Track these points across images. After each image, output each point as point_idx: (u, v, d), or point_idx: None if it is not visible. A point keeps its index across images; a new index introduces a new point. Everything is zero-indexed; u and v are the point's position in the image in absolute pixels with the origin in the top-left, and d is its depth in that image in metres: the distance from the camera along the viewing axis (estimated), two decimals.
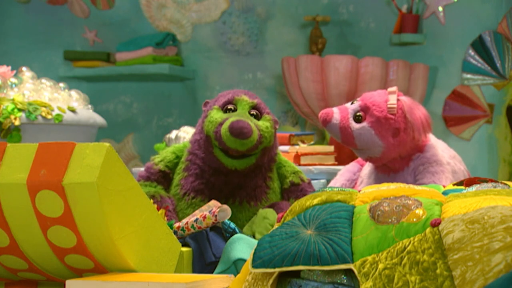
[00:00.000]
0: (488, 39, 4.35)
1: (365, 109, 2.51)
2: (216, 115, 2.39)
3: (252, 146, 2.34)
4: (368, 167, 2.72)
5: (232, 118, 2.34)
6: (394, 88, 2.55)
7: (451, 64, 4.45)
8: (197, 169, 2.45)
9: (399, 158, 2.57)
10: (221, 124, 2.35)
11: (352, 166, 2.85)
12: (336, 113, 2.52)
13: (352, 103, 2.56)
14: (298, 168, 2.55)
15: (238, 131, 2.30)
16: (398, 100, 2.51)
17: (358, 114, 2.51)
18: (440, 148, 2.66)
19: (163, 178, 2.48)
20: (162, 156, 2.52)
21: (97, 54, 4.85)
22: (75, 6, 4.91)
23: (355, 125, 2.51)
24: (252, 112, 2.41)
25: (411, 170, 2.58)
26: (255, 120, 2.40)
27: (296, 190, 2.49)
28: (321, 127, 4.45)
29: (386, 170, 2.62)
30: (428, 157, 2.57)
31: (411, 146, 2.55)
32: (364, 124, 2.50)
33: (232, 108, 2.40)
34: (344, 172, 2.81)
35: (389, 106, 2.49)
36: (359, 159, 2.82)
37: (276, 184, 2.50)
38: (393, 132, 2.50)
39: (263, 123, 2.41)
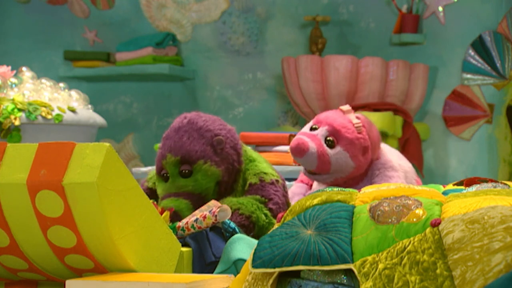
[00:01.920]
0: (488, 39, 4.35)
1: (334, 133, 2.46)
2: (158, 187, 2.42)
3: (196, 206, 2.36)
4: (318, 187, 2.64)
5: (161, 205, 2.34)
6: (347, 107, 2.51)
7: (451, 64, 4.46)
8: None
9: (359, 175, 2.56)
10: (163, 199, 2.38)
11: (299, 187, 2.74)
12: (310, 142, 2.45)
13: (312, 128, 2.49)
14: (268, 169, 2.45)
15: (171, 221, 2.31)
16: (358, 117, 2.49)
17: (328, 139, 2.46)
18: (386, 151, 2.64)
19: (151, 195, 2.49)
20: (151, 174, 2.57)
21: (97, 54, 4.85)
22: (75, 6, 4.91)
23: (330, 151, 2.46)
24: (181, 171, 2.37)
25: (366, 180, 2.56)
26: (183, 184, 2.36)
27: (252, 189, 2.42)
28: None
29: (342, 186, 2.58)
30: (383, 162, 2.54)
31: (369, 160, 2.53)
32: (338, 148, 2.46)
33: (165, 173, 2.39)
34: (294, 196, 2.68)
35: (356, 125, 2.45)
36: (302, 177, 2.73)
37: (239, 193, 2.47)
38: (362, 151, 2.47)
39: (194, 180, 2.37)
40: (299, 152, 2.43)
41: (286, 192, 2.47)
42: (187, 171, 2.36)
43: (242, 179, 2.45)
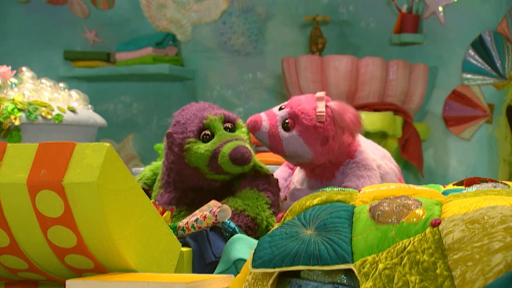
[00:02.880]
0: (488, 39, 4.35)
1: (293, 116, 2.46)
2: (199, 149, 2.38)
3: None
4: (299, 173, 2.67)
5: (226, 147, 2.34)
6: (322, 94, 2.49)
7: (451, 64, 4.46)
8: (174, 189, 2.47)
9: (329, 164, 2.54)
10: (213, 156, 2.35)
11: (282, 171, 2.78)
12: (264, 121, 2.47)
13: (280, 108, 2.50)
14: (262, 164, 2.52)
15: (241, 160, 2.32)
16: (326, 106, 2.46)
17: (286, 121, 2.46)
18: (370, 150, 2.63)
19: None
20: (142, 174, 2.57)
21: (97, 54, 4.85)
22: (75, 6, 4.91)
23: (283, 133, 2.46)
24: (226, 127, 2.41)
25: (340, 175, 2.56)
26: (236, 134, 2.40)
27: (245, 178, 2.45)
28: None
29: (318, 178, 2.58)
30: (358, 161, 2.53)
31: (340, 152, 2.52)
32: (293, 132, 2.45)
33: (209, 133, 2.39)
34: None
35: (318, 114, 2.43)
36: (287, 162, 2.77)
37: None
38: (321, 140, 2.45)
39: (241, 132, 2.43)
40: (251, 128, 2.48)
41: (279, 189, 2.50)
42: (231, 126, 2.42)
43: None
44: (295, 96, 2.54)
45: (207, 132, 2.39)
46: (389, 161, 2.68)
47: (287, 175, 2.74)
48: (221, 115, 2.41)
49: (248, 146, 2.38)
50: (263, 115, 2.49)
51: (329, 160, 2.52)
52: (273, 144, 2.47)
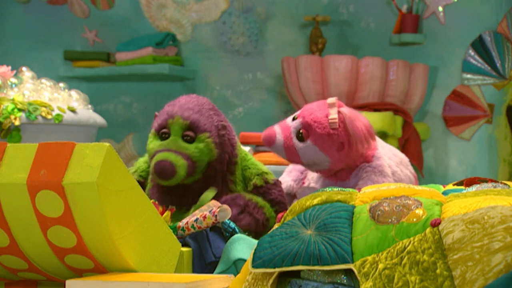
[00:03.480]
0: (488, 39, 4.35)
1: (306, 126, 2.46)
2: (151, 143, 2.39)
3: (183, 178, 2.35)
4: (311, 173, 2.69)
5: (155, 158, 2.33)
6: (333, 100, 2.49)
7: (451, 64, 4.46)
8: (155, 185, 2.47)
9: (346, 168, 2.55)
10: (152, 157, 2.36)
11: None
12: (278, 134, 2.48)
13: (293, 118, 2.51)
14: (265, 168, 2.52)
15: (160, 174, 2.30)
16: (339, 112, 2.47)
17: (300, 132, 2.47)
18: (387, 155, 2.63)
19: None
20: (136, 166, 2.55)
21: (97, 54, 4.85)
22: (75, 6, 4.91)
23: (299, 144, 2.47)
24: (186, 134, 2.37)
25: (354, 177, 2.56)
26: (184, 146, 2.36)
27: (258, 192, 2.45)
28: None
29: (333, 178, 2.59)
30: (374, 166, 2.53)
31: (357, 156, 2.52)
32: (308, 142, 2.46)
33: (166, 132, 2.38)
34: (292, 170, 2.76)
35: (330, 121, 2.44)
36: None
37: (240, 187, 2.48)
38: (337, 147, 2.46)
39: (195, 147, 2.37)
40: (267, 143, 2.50)
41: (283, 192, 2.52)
42: (189, 137, 2.38)
43: (241, 174, 2.48)
44: (307, 104, 2.54)
45: (164, 131, 2.39)
46: (406, 167, 2.69)
47: (303, 168, 2.74)
48: (186, 122, 2.38)
49: (179, 161, 2.33)
50: (276, 128, 2.50)
51: (347, 166, 2.53)
52: (290, 156, 2.49)
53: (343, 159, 2.48)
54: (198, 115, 2.41)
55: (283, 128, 2.49)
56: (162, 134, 2.39)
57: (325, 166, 2.50)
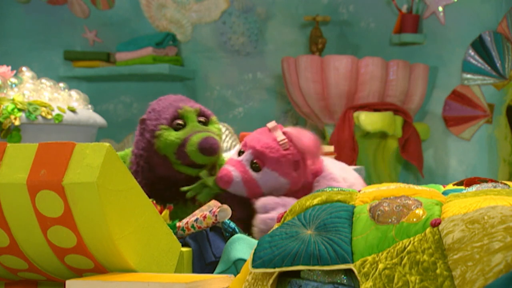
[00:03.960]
0: (488, 39, 4.35)
1: (259, 155, 2.42)
2: (169, 136, 2.40)
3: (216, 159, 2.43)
4: None
5: (195, 137, 2.36)
6: (273, 123, 2.47)
7: (451, 64, 4.46)
8: (143, 179, 2.47)
9: (302, 187, 2.51)
10: (182, 145, 2.37)
11: None
12: (233, 171, 2.41)
13: (239, 153, 2.46)
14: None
15: (209, 150, 2.35)
16: (284, 133, 2.44)
17: (254, 162, 2.42)
18: (331, 165, 2.62)
19: None
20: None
21: (97, 54, 4.85)
22: (75, 6, 4.91)
23: (256, 175, 2.41)
24: (200, 120, 2.43)
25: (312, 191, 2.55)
26: (208, 128, 2.43)
27: None
28: (321, 127, 4.46)
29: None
30: (326, 175, 2.52)
31: (310, 173, 2.51)
32: (265, 169, 2.41)
33: (182, 123, 2.41)
34: None
35: (280, 143, 2.41)
36: None
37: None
38: (294, 166, 2.43)
39: (214, 127, 2.45)
40: (224, 184, 2.42)
41: None
42: (205, 120, 2.44)
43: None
44: (248, 136, 2.50)
45: (180, 122, 2.41)
46: (350, 173, 2.68)
47: None
48: (197, 108, 2.44)
49: (218, 139, 2.40)
50: (228, 166, 2.44)
51: (303, 185, 2.51)
52: (251, 190, 2.42)
53: (301, 178, 2.46)
54: (198, 105, 2.48)
55: (236, 164, 2.43)
56: (177, 125, 2.42)
57: (284, 190, 2.46)
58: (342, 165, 2.70)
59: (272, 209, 2.39)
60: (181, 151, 2.37)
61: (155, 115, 2.45)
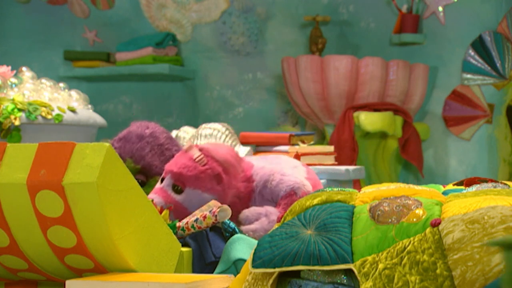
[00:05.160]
0: (488, 39, 4.35)
1: (178, 177, 2.43)
2: None
3: None
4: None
5: None
6: (188, 144, 2.49)
7: (451, 64, 4.45)
8: None
9: (237, 197, 2.52)
10: None
11: None
12: (156, 198, 2.42)
13: (161, 180, 2.47)
14: None
15: None
16: (200, 150, 2.46)
17: (175, 185, 2.43)
18: (261, 161, 2.61)
19: None
20: None
21: (97, 54, 4.85)
22: (75, 6, 4.91)
23: (180, 197, 2.42)
24: (137, 179, 2.39)
25: (257, 197, 2.54)
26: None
27: None
28: (321, 127, 4.46)
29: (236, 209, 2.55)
30: (262, 175, 2.53)
31: (237, 181, 2.51)
32: (187, 189, 2.42)
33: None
34: None
35: (197, 159, 2.42)
36: None
37: None
38: (216, 180, 2.44)
39: (148, 190, 2.46)
40: None
41: None
42: (141, 181, 2.47)
43: None
44: (166, 164, 2.50)
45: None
46: (300, 167, 2.67)
47: None
48: (138, 166, 2.46)
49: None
50: (150, 195, 2.45)
51: (236, 195, 2.51)
52: (178, 212, 2.42)
53: (227, 190, 2.46)
54: (150, 155, 2.52)
55: (158, 191, 2.44)
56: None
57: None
58: (294, 164, 2.67)
59: (255, 220, 2.42)
60: None
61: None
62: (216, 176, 2.44)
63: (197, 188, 2.42)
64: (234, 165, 2.47)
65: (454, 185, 2.00)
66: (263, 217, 2.40)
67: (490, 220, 1.48)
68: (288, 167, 2.58)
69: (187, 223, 2.14)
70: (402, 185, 1.85)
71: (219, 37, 4.78)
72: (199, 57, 4.83)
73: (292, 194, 2.49)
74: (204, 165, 2.42)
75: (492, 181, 1.91)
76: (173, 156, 2.54)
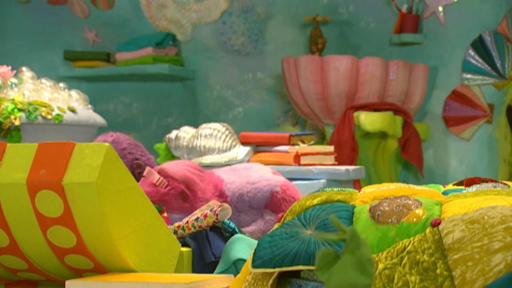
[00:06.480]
0: (488, 39, 4.35)
1: None
2: None
3: None
4: None
5: None
6: (146, 170, 2.50)
7: (451, 64, 4.45)
8: None
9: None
10: None
11: None
12: None
13: None
14: None
15: None
16: (159, 171, 2.47)
17: None
18: (230, 172, 2.62)
19: None
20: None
21: (97, 54, 4.85)
22: (75, 6, 4.91)
23: None
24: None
25: (233, 209, 2.54)
26: None
27: None
28: (321, 127, 4.46)
29: None
30: (234, 190, 2.53)
31: (205, 193, 2.52)
32: None
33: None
34: None
35: (157, 183, 2.44)
36: None
37: None
38: (182, 197, 2.46)
39: None
40: None
41: None
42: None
43: None
44: None
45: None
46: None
47: None
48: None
49: None
50: None
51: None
52: None
53: (195, 204, 2.47)
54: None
55: None
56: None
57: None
58: (268, 169, 2.68)
59: (247, 226, 2.44)
60: None
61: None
62: (180, 194, 2.46)
63: (166, 210, 2.48)
64: (194, 180, 2.49)
65: (454, 185, 2.00)
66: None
67: (490, 220, 1.48)
68: (255, 175, 2.60)
69: (187, 222, 2.14)
70: (402, 185, 1.85)
71: (219, 37, 4.78)
72: (199, 57, 4.83)
73: (275, 195, 2.52)
74: (166, 186, 2.44)
75: (492, 181, 1.91)
76: (136, 158, 2.61)
